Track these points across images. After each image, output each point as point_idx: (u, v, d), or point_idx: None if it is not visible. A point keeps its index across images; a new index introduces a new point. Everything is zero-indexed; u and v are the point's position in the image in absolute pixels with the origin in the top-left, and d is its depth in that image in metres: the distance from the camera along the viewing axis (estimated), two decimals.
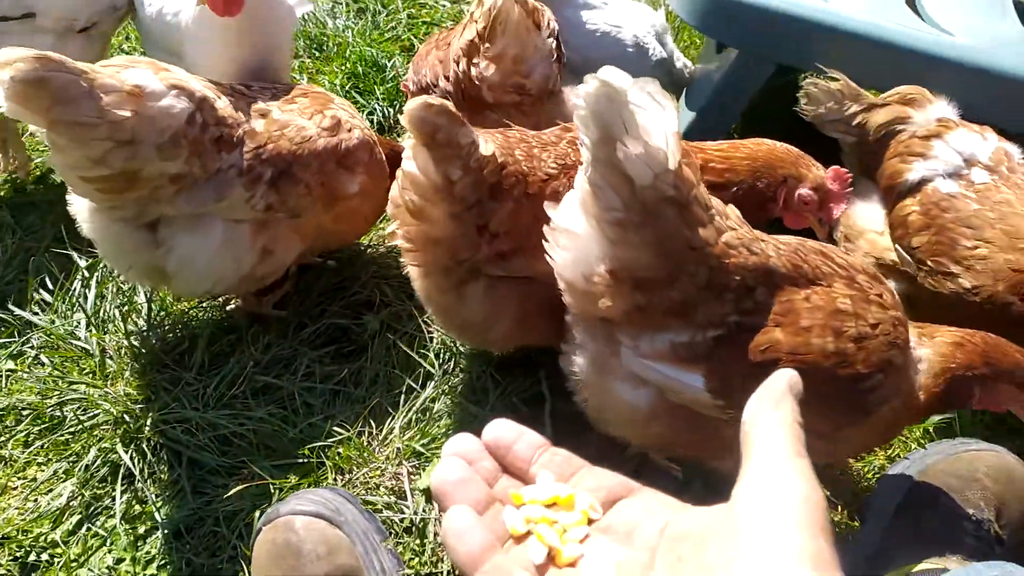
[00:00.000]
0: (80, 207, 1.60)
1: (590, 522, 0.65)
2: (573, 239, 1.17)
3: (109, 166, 1.40)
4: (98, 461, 1.61)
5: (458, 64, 1.85)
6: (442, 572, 1.47)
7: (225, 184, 1.54)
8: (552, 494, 0.66)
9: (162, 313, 1.90)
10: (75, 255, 2.03)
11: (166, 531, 1.51)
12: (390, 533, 1.47)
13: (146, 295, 1.91)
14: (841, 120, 1.77)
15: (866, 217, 1.75)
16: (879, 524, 1.55)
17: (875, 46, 1.86)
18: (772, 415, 0.63)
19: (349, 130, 1.75)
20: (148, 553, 1.50)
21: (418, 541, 1.51)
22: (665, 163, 1.05)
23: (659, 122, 1.03)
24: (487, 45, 1.79)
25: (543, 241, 1.28)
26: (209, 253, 1.59)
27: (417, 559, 1.49)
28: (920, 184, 1.64)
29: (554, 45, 1.87)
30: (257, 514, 1.47)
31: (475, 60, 1.82)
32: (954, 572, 1.32)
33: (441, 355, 1.80)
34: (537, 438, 0.71)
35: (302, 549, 1.23)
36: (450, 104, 1.32)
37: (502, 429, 0.70)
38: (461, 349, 1.81)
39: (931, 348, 1.33)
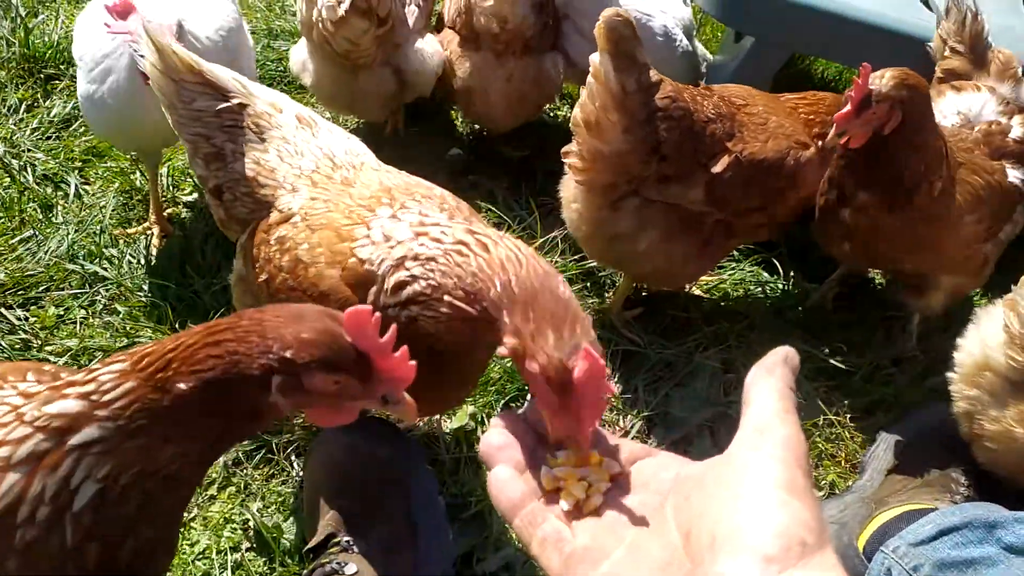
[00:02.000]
0: None
1: (612, 479, 0.76)
2: None
3: None
4: None
5: None
6: (471, 502, 1.65)
7: None
8: (581, 457, 0.78)
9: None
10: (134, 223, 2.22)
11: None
12: None
13: (201, 253, 2.08)
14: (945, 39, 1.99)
15: None
16: (876, 473, 1.68)
17: (881, 34, 2.00)
18: (767, 380, 0.71)
19: None
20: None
21: (452, 478, 1.69)
22: None
23: None
24: None
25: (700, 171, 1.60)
26: None
27: (447, 490, 1.66)
28: None
29: None
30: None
31: None
32: (942, 510, 1.46)
33: None
34: None
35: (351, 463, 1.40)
36: (633, 19, 1.53)
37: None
38: None
39: None
